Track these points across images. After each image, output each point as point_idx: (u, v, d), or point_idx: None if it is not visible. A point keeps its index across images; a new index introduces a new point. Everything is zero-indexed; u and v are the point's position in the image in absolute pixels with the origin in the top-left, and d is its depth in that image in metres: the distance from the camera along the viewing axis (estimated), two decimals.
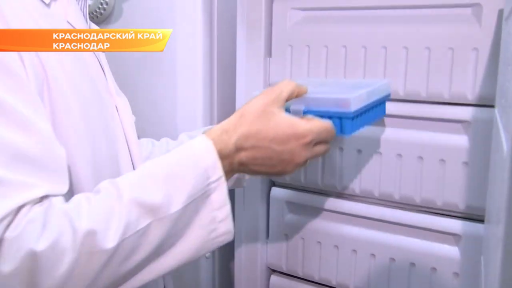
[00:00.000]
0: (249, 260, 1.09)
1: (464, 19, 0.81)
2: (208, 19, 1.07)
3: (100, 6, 1.12)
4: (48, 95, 0.59)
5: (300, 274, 1.04)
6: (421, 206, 0.90)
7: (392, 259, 0.92)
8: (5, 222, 0.48)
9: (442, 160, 0.85)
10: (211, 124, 1.10)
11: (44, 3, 0.64)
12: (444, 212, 0.88)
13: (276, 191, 1.05)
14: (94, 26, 0.79)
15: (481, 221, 0.83)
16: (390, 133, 0.90)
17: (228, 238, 0.65)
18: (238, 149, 0.66)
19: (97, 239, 0.52)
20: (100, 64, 0.71)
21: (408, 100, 0.89)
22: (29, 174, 0.51)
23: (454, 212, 0.87)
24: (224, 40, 1.09)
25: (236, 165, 0.67)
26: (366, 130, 0.84)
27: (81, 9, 0.73)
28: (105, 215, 0.54)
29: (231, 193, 0.71)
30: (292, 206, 1.03)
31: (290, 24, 0.98)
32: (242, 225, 1.08)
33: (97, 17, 1.13)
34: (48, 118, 0.57)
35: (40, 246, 0.49)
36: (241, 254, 1.10)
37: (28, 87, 0.55)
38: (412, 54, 0.86)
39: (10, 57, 0.54)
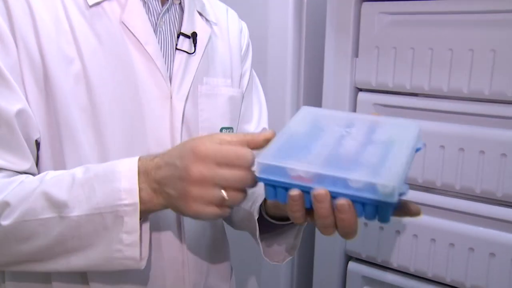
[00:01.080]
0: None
1: None
2: (298, 21, 1.15)
3: None
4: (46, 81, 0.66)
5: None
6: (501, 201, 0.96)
7: (471, 249, 0.98)
8: None
9: None
10: None
11: (88, 4, 0.69)
12: None
13: None
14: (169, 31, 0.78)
15: None
16: (473, 131, 0.96)
17: (134, 264, 0.64)
18: (157, 167, 0.61)
19: (2, 214, 0.61)
20: (158, 68, 0.72)
21: (493, 100, 0.95)
22: None
23: None
24: (312, 40, 1.18)
25: (154, 185, 0.61)
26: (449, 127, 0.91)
27: (151, 13, 0.74)
28: (21, 197, 0.62)
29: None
30: None
31: (377, 27, 1.05)
32: None
33: None
34: (22, 98, 0.64)
35: None
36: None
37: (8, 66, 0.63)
38: (499, 56, 0.92)
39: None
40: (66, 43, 0.67)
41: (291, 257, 0.80)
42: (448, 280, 1.02)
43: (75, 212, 0.61)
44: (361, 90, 1.11)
